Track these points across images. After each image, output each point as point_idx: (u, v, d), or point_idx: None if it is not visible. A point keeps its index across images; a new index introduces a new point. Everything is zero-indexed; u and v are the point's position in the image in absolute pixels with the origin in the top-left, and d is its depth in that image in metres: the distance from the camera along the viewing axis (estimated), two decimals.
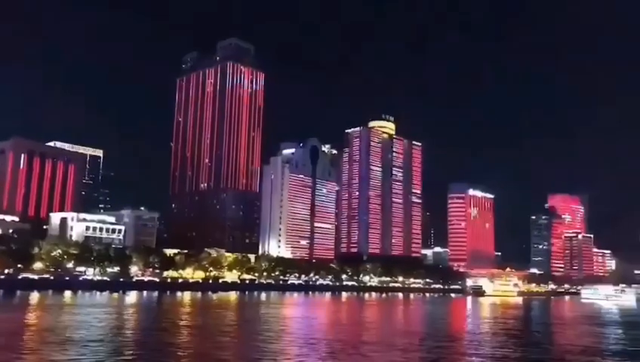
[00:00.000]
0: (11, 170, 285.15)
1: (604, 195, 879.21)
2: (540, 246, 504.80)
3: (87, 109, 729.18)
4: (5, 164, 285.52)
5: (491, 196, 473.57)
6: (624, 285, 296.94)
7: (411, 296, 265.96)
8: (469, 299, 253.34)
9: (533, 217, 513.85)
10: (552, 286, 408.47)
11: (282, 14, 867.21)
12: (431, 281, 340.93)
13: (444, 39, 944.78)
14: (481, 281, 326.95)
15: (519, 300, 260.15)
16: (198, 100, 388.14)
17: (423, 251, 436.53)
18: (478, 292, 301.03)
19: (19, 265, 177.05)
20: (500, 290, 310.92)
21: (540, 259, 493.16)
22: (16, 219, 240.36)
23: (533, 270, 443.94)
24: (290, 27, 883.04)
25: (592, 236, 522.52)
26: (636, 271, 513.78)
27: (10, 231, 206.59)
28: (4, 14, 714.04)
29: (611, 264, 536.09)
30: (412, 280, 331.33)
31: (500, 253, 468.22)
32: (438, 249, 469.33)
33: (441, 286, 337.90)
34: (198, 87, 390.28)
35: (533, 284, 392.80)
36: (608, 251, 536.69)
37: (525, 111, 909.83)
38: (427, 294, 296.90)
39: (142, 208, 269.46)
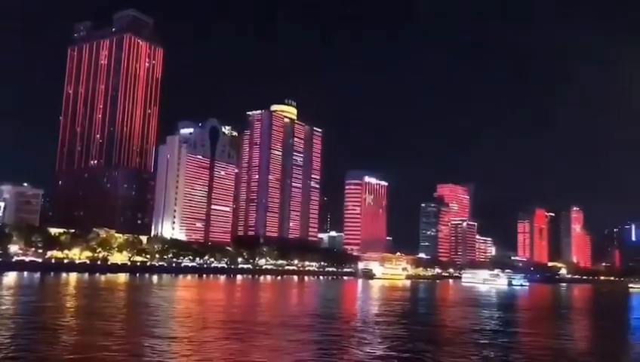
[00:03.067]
0: None
1: (489, 185, 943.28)
2: (428, 233, 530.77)
3: None
4: None
5: (386, 183, 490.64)
6: (499, 270, 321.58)
7: (306, 278, 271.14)
8: (360, 281, 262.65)
9: (423, 205, 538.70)
10: (437, 270, 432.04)
11: None
12: (325, 264, 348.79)
13: (348, 26, 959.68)
14: (372, 265, 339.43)
15: (407, 283, 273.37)
16: (90, 73, 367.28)
17: (320, 235, 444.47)
18: (369, 274, 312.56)
19: None
20: (389, 273, 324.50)
21: (427, 244, 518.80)
22: None
23: (422, 255, 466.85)
24: (194, 2, 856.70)
25: (475, 224, 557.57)
26: (513, 257, 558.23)
27: None
28: None
29: (492, 250, 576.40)
30: (307, 263, 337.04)
31: (391, 238, 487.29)
32: (333, 233, 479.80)
33: (335, 269, 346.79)
34: (91, 58, 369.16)
35: (421, 268, 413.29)
36: (490, 238, 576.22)
37: (422, 99, 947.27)
38: (321, 277, 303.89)
39: (24, 184, 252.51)
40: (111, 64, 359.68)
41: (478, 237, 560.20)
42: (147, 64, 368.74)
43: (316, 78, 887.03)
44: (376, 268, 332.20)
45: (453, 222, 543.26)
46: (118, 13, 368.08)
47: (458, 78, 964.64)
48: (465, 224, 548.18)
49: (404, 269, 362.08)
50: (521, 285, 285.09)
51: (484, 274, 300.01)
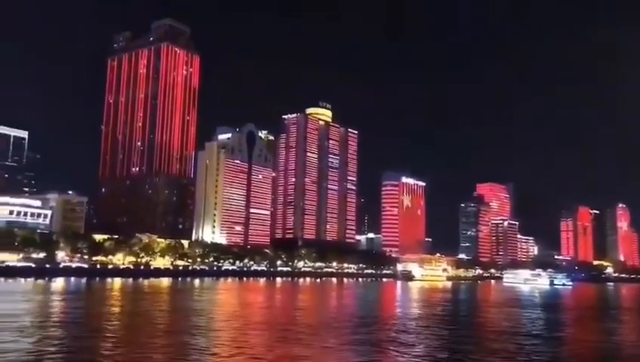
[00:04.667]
0: None
1: (529, 184, 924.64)
2: (468, 233, 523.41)
3: (11, 86, 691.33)
4: None
5: (423, 184, 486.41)
6: (540, 269, 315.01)
7: (345, 280, 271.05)
8: (399, 283, 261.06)
9: (462, 205, 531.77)
10: (478, 271, 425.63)
11: None
12: (364, 266, 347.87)
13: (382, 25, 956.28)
14: (411, 266, 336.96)
15: (448, 284, 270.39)
16: (130, 82, 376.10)
17: (357, 237, 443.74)
18: (408, 276, 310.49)
19: None
20: (429, 275, 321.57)
21: (467, 245, 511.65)
22: None
23: (462, 255, 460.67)
24: (228, 10, 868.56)
25: (517, 223, 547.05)
26: (556, 257, 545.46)
27: None
28: None
29: (534, 249, 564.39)
30: (346, 265, 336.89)
31: (430, 239, 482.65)
32: (371, 235, 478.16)
33: (374, 271, 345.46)
34: (130, 68, 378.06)
35: (461, 269, 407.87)
36: (531, 238, 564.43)
37: (460, 99, 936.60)
38: (360, 279, 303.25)
39: (70, 192, 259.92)
40: (149, 73, 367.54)
41: (519, 236, 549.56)
42: (185, 72, 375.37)
43: (351, 79, 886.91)
44: (415, 269, 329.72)
45: (493, 222, 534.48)
46: (155, 22, 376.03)
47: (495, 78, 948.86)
48: (506, 223, 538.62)
49: (444, 270, 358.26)
50: (564, 284, 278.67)
51: (526, 273, 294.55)
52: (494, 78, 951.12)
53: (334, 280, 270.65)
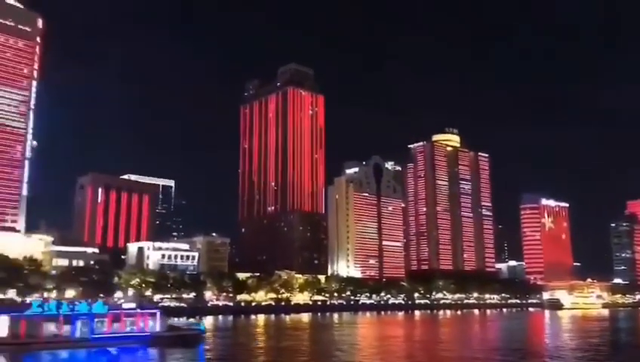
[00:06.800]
0: (90, 203, 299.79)
1: None
2: (623, 255, 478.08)
3: (158, 142, 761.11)
4: (84, 198, 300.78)
5: (566, 205, 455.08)
6: None
7: (487, 312, 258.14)
8: (547, 312, 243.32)
9: (613, 224, 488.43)
10: (639, 296, 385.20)
11: (338, 36, 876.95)
12: (507, 296, 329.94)
13: (513, 44, 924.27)
14: (558, 294, 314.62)
15: (604, 312, 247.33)
16: (261, 126, 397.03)
17: (497, 265, 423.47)
18: (556, 305, 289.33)
19: (100, 295, 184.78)
20: (581, 303, 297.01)
21: (623, 268, 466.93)
22: (97, 250, 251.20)
23: (617, 280, 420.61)
24: (347, 47, 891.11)
25: None
26: None
27: (92, 262, 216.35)
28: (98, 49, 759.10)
29: None
30: (487, 295, 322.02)
31: (579, 264, 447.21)
32: (512, 262, 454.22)
33: (518, 301, 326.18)
34: (260, 113, 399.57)
35: (618, 295, 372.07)
36: None
37: (591, 116, 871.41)
38: (504, 309, 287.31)
39: (213, 234, 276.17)
40: (278, 116, 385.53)
41: None
42: (310, 112, 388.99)
43: (477, 102, 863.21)
44: (564, 297, 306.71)
45: None
46: (281, 68, 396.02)
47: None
48: None
49: (598, 297, 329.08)
50: None
51: None
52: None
53: (476, 311, 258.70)
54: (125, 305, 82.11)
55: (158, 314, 76.69)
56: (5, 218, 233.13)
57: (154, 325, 74.25)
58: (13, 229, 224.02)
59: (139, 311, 76.71)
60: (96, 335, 69.43)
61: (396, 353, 73.75)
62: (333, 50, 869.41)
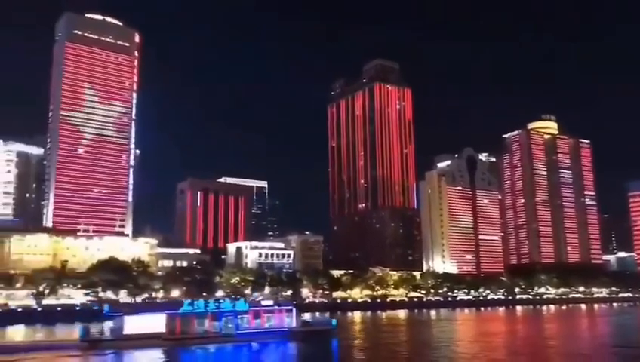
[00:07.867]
0: (190, 207, 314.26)
1: None
2: None
3: (252, 145, 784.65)
4: (185, 202, 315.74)
5: None
6: None
7: (595, 306, 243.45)
8: None
9: None
10: None
11: (423, 28, 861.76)
12: (617, 290, 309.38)
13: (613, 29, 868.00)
14: None
15: None
16: (349, 124, 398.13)
17: (605, 257, 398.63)
18: None
19: (203, 294, 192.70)
20: None
21: None
22: (198, 251, 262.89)
23: None
24: (432, 39, 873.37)
25: None
26: None
27: (194, 262, 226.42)
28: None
29: None
30: (594, 289, 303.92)
31: None
32: (622, 253, 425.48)
33: (630, 295, 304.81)
34: (347, 111, 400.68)
35: None
36: None
37: None
38: (614, 304, 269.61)
39: (307, 232, 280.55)
40: (365, 113, 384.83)
41: None
42: (398, 106, 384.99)
43: (573, 86, 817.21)
44: None
45: None
46: (366, 65, 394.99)
47: None
48: None
49: None
50: None
51: None
52: None
53: (583, 306, 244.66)
54: (264, 303, 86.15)
55: (294, 310, 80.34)
56: (114, 223, 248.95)
57: (290, 321, 78.30)
58: (122, 233, 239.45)
59: (276, 307, 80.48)
60: (241, 331, 73.94)
61: (501, 349, 71.07)
62: (418, 41, 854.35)
